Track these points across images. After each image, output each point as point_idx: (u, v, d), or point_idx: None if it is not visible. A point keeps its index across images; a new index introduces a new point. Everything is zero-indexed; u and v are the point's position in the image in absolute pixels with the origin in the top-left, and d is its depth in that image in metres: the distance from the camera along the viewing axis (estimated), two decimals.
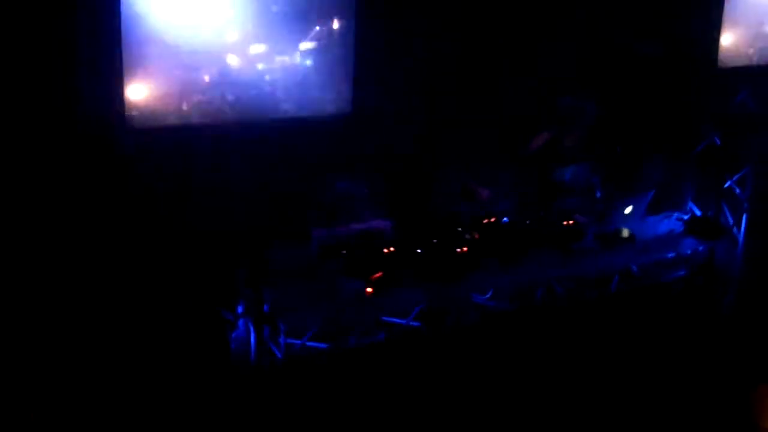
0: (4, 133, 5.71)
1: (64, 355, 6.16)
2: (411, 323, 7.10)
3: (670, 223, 8.61)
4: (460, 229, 7.45)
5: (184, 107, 6.04)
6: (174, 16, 5.78)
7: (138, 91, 5.82)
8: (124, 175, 6.07)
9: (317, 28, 6.28)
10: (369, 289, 6.94)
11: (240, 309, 6.67)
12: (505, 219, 7.65)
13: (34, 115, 5.75)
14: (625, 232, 8.19)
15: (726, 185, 8.67)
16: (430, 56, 7.03)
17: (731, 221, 8.70)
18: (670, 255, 8.41)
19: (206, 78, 6.05)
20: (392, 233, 7.29)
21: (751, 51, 8.10)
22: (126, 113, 5.80)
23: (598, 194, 8.31)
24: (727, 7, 7.75)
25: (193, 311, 6.51)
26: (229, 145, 6.25)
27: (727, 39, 7.93)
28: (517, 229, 7.68)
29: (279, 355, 6.66)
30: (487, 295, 7.37)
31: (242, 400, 6.53)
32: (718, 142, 8.62)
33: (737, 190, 8.59)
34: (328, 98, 6.43)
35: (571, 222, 7.96)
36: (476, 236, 7.48)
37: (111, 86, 5.71)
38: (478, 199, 7.81)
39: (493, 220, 7.62)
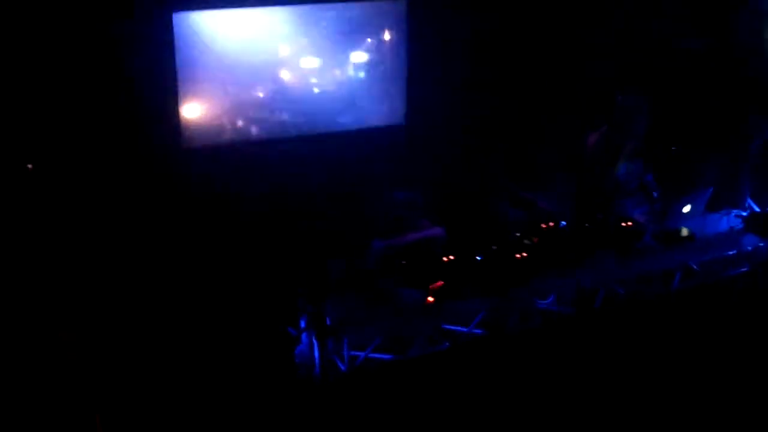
0: (64, 156, 5.82)
1: (131, 373, 6.23)
2: (473, 331, 7.04)
3: (729, 220, 8.45)
4: (518, 234, 7.41)
5: (240, 124, 6.10)
6: (227, 33, 5.85)
7: (193, 110, 5.89)
8: (183, 194, 6.14)
9: (369, 40, 6.30)
10: (430, 299, 6.91)
11: (302, 324, 6.69)
12: (563, 223, 7.59)
13: (94, 136, 5.84)
14: (685, 231, 8.07)
15: None
16: (481, 63, 7.02)
17: None
18: (731, 252, 8.26)
19: (260, 94, 6.10)
20: (449, 241, 7.29)
21: None
22: (182, 132, 5.86)
23: (655, 194, 8.22)
24: None
25: (257, 329, 6.54)
26: (285, 160, 6.31)
27: None
28: (575, 232, 7.62)
29: (343, 368, 6.66)
30: (549, 300, 7.30)
31: (309, 415, 6.53)
32: None
33: None
34: (381, 110, 6.44)
35: (629, 223, 7.87)
36: (535, 241, 7.43)
37: (167, 106, 5.80)
38: (532, 208, 7.79)
39: (552, 224, 7.57)
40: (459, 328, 7.02)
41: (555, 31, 7.41)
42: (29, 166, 5.61)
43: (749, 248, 8.38)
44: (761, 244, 8.42)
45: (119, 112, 5.67)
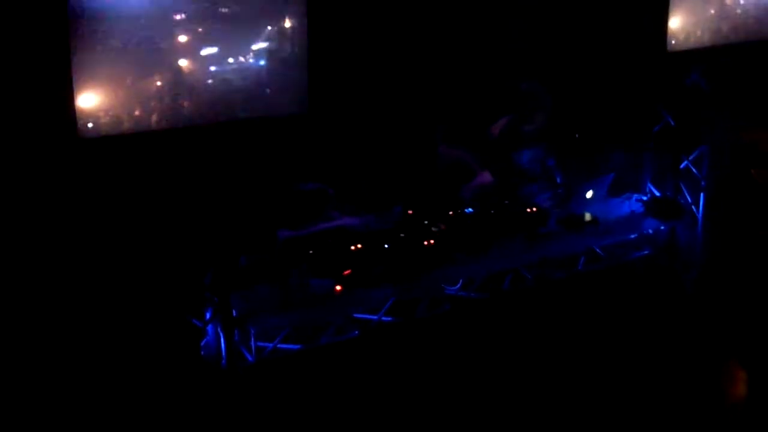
0: None
1: (34, 364, 6.05)
2: (383, 318, 7.09)
3: (630, 204, 8.74)
4: (426, 222, 7.49)
5: (137, 113, 5.95)
6: (123, 19, 5.70)
7: (88, 99, 5.71)
8: (80, 185, 5.97)
9: (269, 28, 6.25)
10: (338, 287, 6.93)
11: (208, 315, 6.61)
12: (469, 209, 7.71)
13: None
14: (588, 216, 8.30)
15: (683, 165, 8.80)
16: (384, 51, 7.05)
17: (690, 200, 8.84)
18: (633, 236, 8.55)
19: (158, 82, 5.97)
20: (360, 231, 7.32)
21: (699, 33, 8.25)
22: (77, 122, 5.68)
23: (559, 179, 8.43)
24: None
25: (162, 320, 6.42)
26: (187, 151, 6.19)
27: (675, 22, 8.08)
28: (482, 218, 7.75)
29: (251, 359, 6.62)
30: (458, 286, 7.41)
31: (215, 406, 6.46)
32: (673, 123, 8.76)
33: (694, 170, 8.72)
34: (284, 99, 6.40)
35: (534, 208, 8.05)
36: (443, 228, 7.53)
37: (60, 94, 5.61)
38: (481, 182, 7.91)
39: (458, 211, 7.67)
40: (369, 316, 7.06)
41: (460, 19, 7.48)
42: None
43: (650, 232, 8.69)
44: (661, 228, 8.74)
45: (7, 98, 5.47)
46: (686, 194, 8.84)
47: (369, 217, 7.47)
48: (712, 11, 8.40)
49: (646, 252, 8.67)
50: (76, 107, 5.58)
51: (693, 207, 8.82)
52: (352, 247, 7.17)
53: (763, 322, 8.11)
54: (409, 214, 7.63)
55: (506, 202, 8.01)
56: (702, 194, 8.79)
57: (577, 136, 8.42)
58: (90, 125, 5.69)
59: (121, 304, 6.21)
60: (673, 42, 8.22)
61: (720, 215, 8.84)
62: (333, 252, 7.13)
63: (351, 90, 6.89)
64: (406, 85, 7.30)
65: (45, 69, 5.52)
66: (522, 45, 7.90)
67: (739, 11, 8.48)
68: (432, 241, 7.42)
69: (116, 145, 5.78)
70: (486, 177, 7.97)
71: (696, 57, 8.50)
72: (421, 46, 7.25)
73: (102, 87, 5.71)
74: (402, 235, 7.38)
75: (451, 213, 7.70)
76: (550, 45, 7.97)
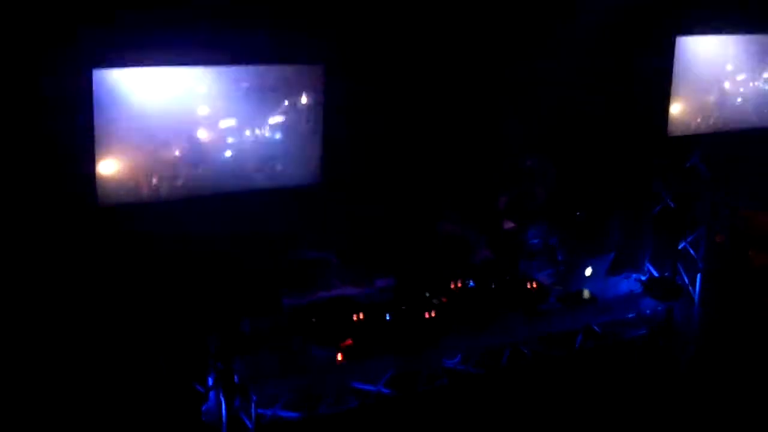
0: None
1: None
2: (382, 390, 7.14)
3: (629, 283, 8.84)
4: (427, 294, 7.58)
5: (154, 182, 6.12)
6: (146, 90, 5.89)
7: (109, 167, 5.89)
8: (94, 251, 6.09)
9: (286, 102, 6.45)
10: (339, 357, 6.99)
11: (211, 380, 6.66)
12: (471, 283, 7.81)
13: (7, 189, 5.76)
14: (586, 293, 8.41)
15: (681, 246, 8.95)
16: (396, 126, 7.25)
17: (687, 281, 8.96)
18: (631, 315, 8.63)
19: (177, 152, 6.15)
20: (361, 301, 7.41)
21: (699, 119, 8.52)
22: (98, 189, 5.84)
23: (560, 256, 8.55)
24: (676, 80, 8.18)
25: (165, 384, 6.47)
26: (199, 218, 6.34)
27: (677, 108, 8.34)
28: (482, 292, 7.85)
29: (250, 426, 6.64)
30: (456, 359, 7.47)
31: None
32: (672, 204, 8.94)
33: (692, 251, 8.87)
34: (297, 170, 6.57)
35: (534, 284, 8.16)
36: (444, 300, 7.62)
37: (83, 162, 5.78)
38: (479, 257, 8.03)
39: (459, 284, 7.78)
40: (368, 386, 7.10)
41: (467, 96, 7.71)
42: None
43: (648, 311, 8.78)
44: (659, 308, 8.84)
45: (34, 168, 5.62)
46: (683, 275, 8.96)
47: (369, 287, 7.56)
48: (712, 99, 8.69)
49: (642, 331, 8.74)
50: (96, 175, 5.74)
51: (690, 288, 8.95)
52: (354, 317, 7.24)
53: (757, 401, 8.16)
54: (410, 285, 7.71)
55: (507, 277, 8.12)
56: (699, 275, 8.92)
57: (578, 214, 8.57)
58: (108, 193, 5.84)
59: (128, 365, 6.27)
60: (673, 127, 8.48)
61: (717, 296, 8.97)
62: (335, 321, 7.20)
63: (360, 164, 7.06)
64: (413, 161, 7.49)
65: (69, 137, 5.68)
66: (527, 120, 8.11)
67: (738, 100, 8.76)
68: (433, 313, 7.50)
69: (132, 212, 5.92)
70: (485, 254, 8.10)
71: (696, 142, 8.76)
72: (430, 125, 7.46)
73: (122, 156, 5.88)
74: (403, 306, 7.47)
75: (452, 286, 7.79)
76: (555, 125, 8.19)
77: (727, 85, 8.62)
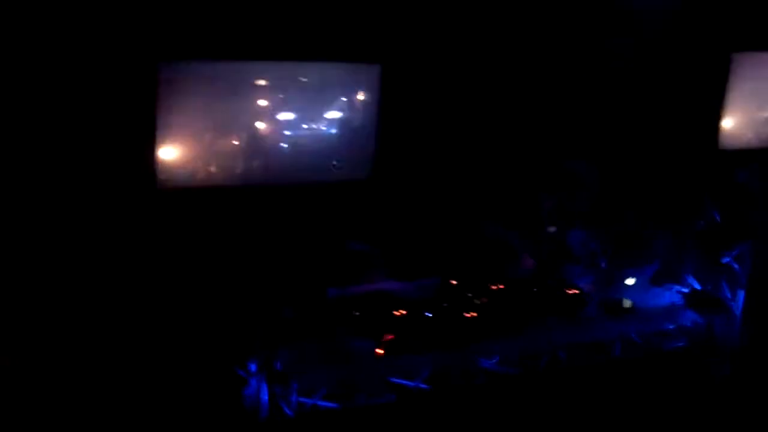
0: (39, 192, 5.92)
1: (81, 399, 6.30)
2: (419, 385, 7.24)
3: (670, 295, 8.83)
4: (469, 294, 7.67)
5: (212, 169, 6.28)
6: (209, 80, 6.05)
7: (169, 153, 6.06)
8: (154, 232, 6.27)
9: (343, 99, 6.57)
10: (380, 351, 7.11)
11: (254, 367, 6.81)
12: (512, 286, 7.87)
13: (72, 171, 5.96)
14: (627, 302, 8.42)
15: (725, 260, 8.90)
16: (446, 127, 7.33)
17: (729, 296, 8.91)
18: (670, 326, 8.62)
19: (235, 142, 6.30)
20: (403, 296, 7.52)
21: (750, 135, 8.46)
22: (157, 174, 6.02)
23: (603, 264, 8.56)
24: (730, 94, 8.15)
25: (209, 368, 6.64)
26: (251, 207, 6.49)
27: (729, 122, 8.30)
28: (523, 295, 7.91)
29: (290, 413, 6.79)
30: (494, 360, 7.54)
31: None
32: (718, 218, 8.89)
33: (736, 266, 8.82)
34: (350, 165, 6.69)
35: (575, 290, 8.20)
36: (484, 301, 7.70)
37: (144, 147, 5.96)
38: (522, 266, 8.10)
39: (501, 287, 7.84)
40: (405, 381, 7.21)
41: (518, 99, 7.74)
42: None
43: (687, 324, 8.76)
44: (699, 321, 8.81)
45: (99, 151, 5.83)
46: (726, 290, 8.91)
47: (411, 284, 7.67)
48: (766, 114, 8.62)
49: (681, 344, 8.72)
50: (157, 159, 5.92)
51: (732, 303, 8.90)
52: (395, 312, 7.35)
53: None
54: (453, 284, 7.80)
55: (548, 282, 8.16)
56: (742, 290, 8.86)
57: (630, 214, 8.54)
58: (168, 177, 6.01)
59: (176, 347, 6.45)
60: (725, 140, 8.44)
61: (760, 313, 8.90)
62: (376, 314, 7.32)
63: (411, 162, 7.16)
64: (462, 161, 7.56)
65: (133, 122, 5.87)
66: (577, 128, 8.11)
67: None
68: (473, 314, 7.58)
69: (191, 197, 6.09)
70: (528, 261, 8.15)
71: (746, 156, 8.70)
72: (480, 126, 7.52)
73: (182, 142, 6.05)
74: (444, 304, 7.56)
75: (493, 288, 7.86)
76: (605, 131, 8.19)
77: None
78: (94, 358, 6.27)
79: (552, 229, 8.36)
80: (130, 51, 5.63)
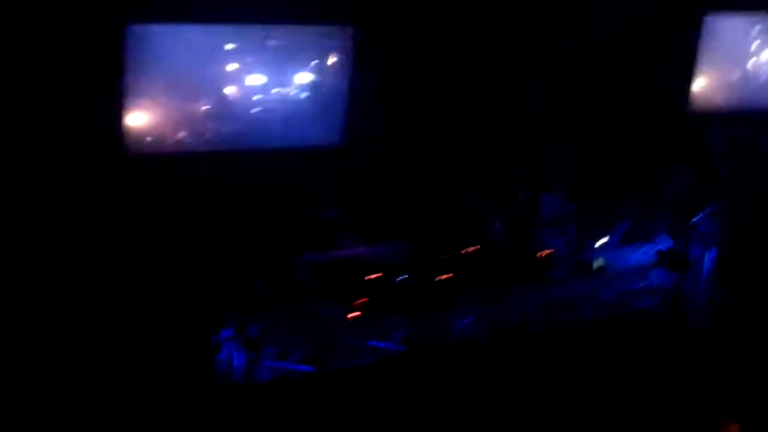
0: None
1: (54, 371, 6.26)
2: (393, 347, 7.31)
3: (640, 254, 8.93)
4: (439, 258, 7.70)
5: (181, 135, 6.19)
6: (175, 44, 5.94)
7: (136, 119, 5.97)
8: (120, 199, 6.20)
9: (314, 62, 6.48)
10: (353, 314, 7.15)
11: (226, 333, 6.81)
12: (482, 249, 7.92)
13: (34, 135, 5.85)
14: (597, 263, 8.51)
15: (695, 220, 9.01)
16: (421, 92, 7.26)
17: (699, 254, 9.04)
18: (641, 285, 8.75)
19: (204, 107, 6.21)
20: (374, 261, 7.54)
21: (721, 95, 8.51)
22: (124, 139, 5.93)
23: (573, 225, 8.62)
24: (701, 56, 8.17)
25: (179, 334, 6.62)
26: (221, 174, 6.43)
27: (700, 83, 8.33)
28: (493, 259, 7.96)
29: (263, 378, 6.82)
30: (468, 320, 7.62)
31: (226, 422, 6.66)
32: (689, 179, 8.97)
33: (704, 226, 8.93)
34: (321, 130, 6.63)
35: (546, 252, 8.26)
36: (455, 265, 7.74)
37: (111, 112, 5.87)
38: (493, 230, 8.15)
39: (471, 249, 7.88)
40: (380, 343, 7.27)
41: (493, 67, 7.69)
42: None
43: (658, 282, 8.88)
44: (669, 280, 8.93)
45: (64, 117, 5.71)
46: (697, 250, 9.03)
47: (382, 248, 7.67)
48: (736, 76, 8.66)
49: (656, 301, 8.84)
50: (124, 125, 5.82)
51: (702, 261, 9.02)
52: (368, 277, 7.38)
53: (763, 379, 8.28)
54: (422, 249, 7.81)
55: (518, 244, 8.21)
56: (711, 250, 8.99)
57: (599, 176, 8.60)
58: (135, 143, 5.92)
59: (146, 316, 6.42)
60: (696, 101, 8.48)
61: (729, 273, 9.04)
62: (347, 280, 7.34)
63: (384, 128, 7.10)
64: (436, 129, 7.51)
65: (98, 86, 5.75)
66: (548, 94, 8.09)
67: (763, 78, 8.72)
68: (444, 277, 7.63)
69: (158, 164, 6.02)
70: (498, 221, 8.17)
71: (717, 118, 8.75)
72: (455, 93, 7.46)
73: (150, 108, 5.95)
74: (414, 269, 7.59)
75: (463, 252, 7.90)
76: (576, 97, 8.18)
77: (751, 64, 8.60)
78: (61, 328, 6.21)
79: (523, 193, 8.38)
80: (96, 13, 5.48)
